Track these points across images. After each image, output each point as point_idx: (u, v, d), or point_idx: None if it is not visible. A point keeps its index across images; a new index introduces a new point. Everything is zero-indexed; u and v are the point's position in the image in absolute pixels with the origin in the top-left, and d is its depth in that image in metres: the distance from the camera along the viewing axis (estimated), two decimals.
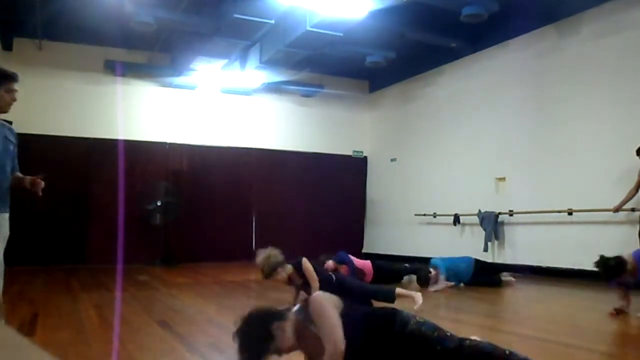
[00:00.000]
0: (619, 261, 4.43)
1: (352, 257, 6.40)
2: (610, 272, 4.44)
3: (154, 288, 6.64)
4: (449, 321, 4.39)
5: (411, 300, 4.34)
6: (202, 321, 4.24)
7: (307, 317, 2.24)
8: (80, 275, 7.56)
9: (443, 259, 6.59)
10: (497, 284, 6.47)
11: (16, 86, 2.92)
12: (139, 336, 3.61)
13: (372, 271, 6.38)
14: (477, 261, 6.60)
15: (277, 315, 2.29)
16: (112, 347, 3.22)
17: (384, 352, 2.22)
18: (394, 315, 2.30)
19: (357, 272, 6.15)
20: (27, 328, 3.73)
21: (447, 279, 6.31)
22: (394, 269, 6.83)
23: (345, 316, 2.23)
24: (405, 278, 6.69)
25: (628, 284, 4.59)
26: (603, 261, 4.49)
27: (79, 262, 8.96)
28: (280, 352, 2.27)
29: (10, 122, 3.16)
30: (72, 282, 6.89)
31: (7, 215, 2.98)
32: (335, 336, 2.12)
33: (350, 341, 2.16)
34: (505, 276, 6.67)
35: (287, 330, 2.24)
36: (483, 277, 6.45)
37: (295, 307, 2.37)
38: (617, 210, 6.41)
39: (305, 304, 2.30)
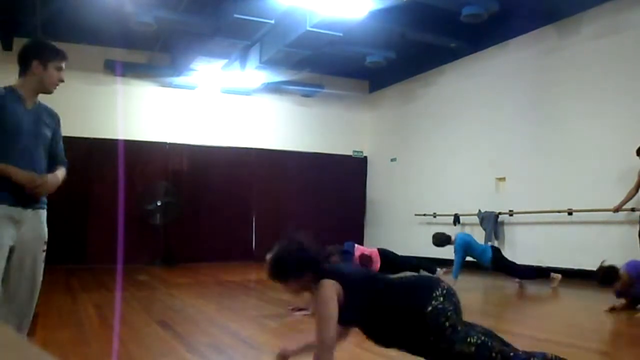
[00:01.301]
0: (611, 269, 4.66)
1: (357, 247, 6.29)
2: (604, 278, 4.69)
3: (154, 288, 6.64)
4: None
5: None
6: (202, 321, 4.24)
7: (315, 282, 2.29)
8: (80, 275, 7.56)
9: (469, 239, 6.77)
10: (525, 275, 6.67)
11: (65, 65, 2.61)
12: (139, 336, 3.61)
13: (379, 259, 6.25)
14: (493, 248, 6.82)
15: (315, 266, 2.30)
16: (112, 346, 3.22)
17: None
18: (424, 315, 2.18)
19: (363, 258, 6.08)
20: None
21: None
22: (402, 258, 6.79)
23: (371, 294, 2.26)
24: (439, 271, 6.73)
25: (627, 294, 4.71)
26: (600, 267, 4.75)
27: (79, 262, 8.96)
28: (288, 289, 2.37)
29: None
30: (72, 282, 6.88)
31: (41, 213, 2.66)
32: (324, 334, 2.15)
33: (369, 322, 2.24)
34: (554, 275, 6.65)
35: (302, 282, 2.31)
36: (503, 263, 6.64)
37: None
38: (617, 210, 6.41)
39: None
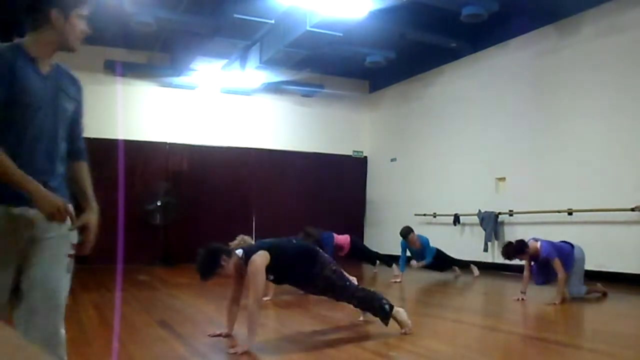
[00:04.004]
0: (520, 243, 5.28)
1: (336, 236, 7.26)
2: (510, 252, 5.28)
3: (154, 288, 6.65)
4: (449, 321, 4.39)
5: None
6: (202, 321, 4.25)
7: (245, 261, 3.32)
8: (80, 275, 7.53)
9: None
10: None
11: (87, 10, 2.01)
12: (139, 336, 3.61)
13: (349, 245, 7.38)
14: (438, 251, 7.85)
15: (226, 251, 3.35)
16: (112, 347, 3.23)
17: (304, 280, 3.61)
18: (316, 255, 3.55)
19: (336, 248, 7.11)
20: None
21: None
22: (368, 251, 8.28)
23: (280, 250, 3.44)
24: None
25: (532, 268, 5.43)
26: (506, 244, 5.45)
27: (79, 262, 8.88)
28: (222, 275, 3.35)
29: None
30: (72, 282, 6.87)
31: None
32: (258, 294, 3.21)
33: (280, 265, 3.36)
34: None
35: (230, 263, 3.33)
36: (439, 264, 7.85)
37: (239, 251, 3.39)
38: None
39: (248, 253, 3.35)
